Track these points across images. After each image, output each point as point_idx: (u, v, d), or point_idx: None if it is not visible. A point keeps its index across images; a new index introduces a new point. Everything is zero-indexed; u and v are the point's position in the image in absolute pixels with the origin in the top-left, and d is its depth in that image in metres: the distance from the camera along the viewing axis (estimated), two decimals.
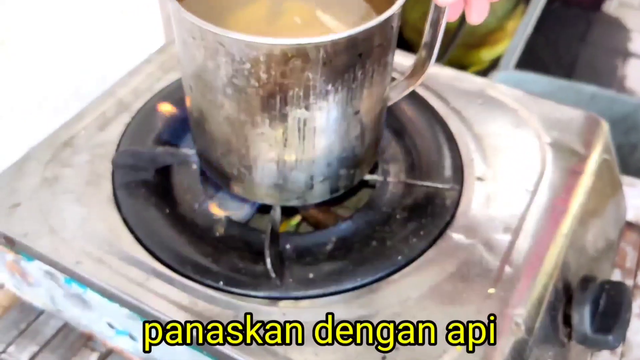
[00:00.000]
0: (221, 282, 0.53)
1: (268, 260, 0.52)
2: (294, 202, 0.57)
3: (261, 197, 0.57)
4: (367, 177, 0.61)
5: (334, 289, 0.54)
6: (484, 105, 0.71)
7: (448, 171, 0.63)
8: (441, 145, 0.65)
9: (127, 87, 0.71)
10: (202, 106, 0.52)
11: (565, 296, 0.58)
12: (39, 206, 0.59)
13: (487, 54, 1.59)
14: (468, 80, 0.74)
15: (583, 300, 0.57)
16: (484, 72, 1.47)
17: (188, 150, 0.63)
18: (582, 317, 0.56)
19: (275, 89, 0.47)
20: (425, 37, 0.54)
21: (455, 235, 0.58)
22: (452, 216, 0.59)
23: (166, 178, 0.63)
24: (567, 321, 0.58)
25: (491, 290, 0.54)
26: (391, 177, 0.62)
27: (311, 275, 0.54)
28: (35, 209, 0.59)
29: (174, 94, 0.70)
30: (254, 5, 0.55)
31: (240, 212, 0.63)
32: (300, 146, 0.52)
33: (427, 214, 0.59)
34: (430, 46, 0.55)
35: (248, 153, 0.53)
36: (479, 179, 0.63)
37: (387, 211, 0.60)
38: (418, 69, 0.57)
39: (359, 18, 0.54)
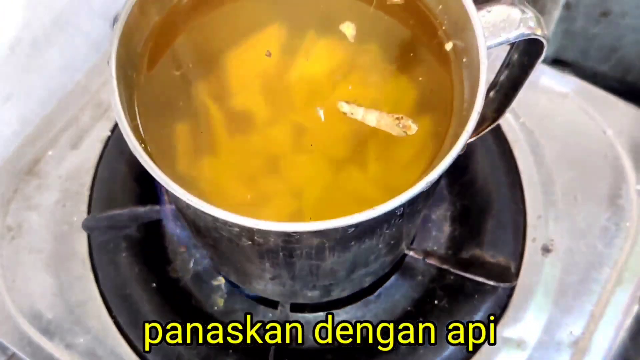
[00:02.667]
0: None
1: None
2: (305, 301, 0.46)
3: (266, 296, 0.46)
4: (405, 251, 0.49)
5: None
6: (565, 122, 0.54)
7: (505, 243, 0.49)
8: (503, 200, 0.51)
9: (104, 76, 0.56)
10: (189, 221, 0.39)
11: None
12: (1, 271, 0.49)
13: None
14: (547, 75, 0.56)
15: None
16: None
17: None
18: None
19: (277, 249, 0.34)
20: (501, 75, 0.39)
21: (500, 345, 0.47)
22: (502, 312, 0.48)
23: (153, 233, 0.51)
24: None
25: None
26: (431, 259, 0.48)
27: None
28: None
29: None
30: (257, 45, 0.38)
31: None
32: (312, 279, 0.39)
33: (471, 309, 0.48)
34: (507, 94, 0.39)
35: (246, 275, 0.41)
36: (545, 249, 0.49)
37: (420, 294, 0.49)
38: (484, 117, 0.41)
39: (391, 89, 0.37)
